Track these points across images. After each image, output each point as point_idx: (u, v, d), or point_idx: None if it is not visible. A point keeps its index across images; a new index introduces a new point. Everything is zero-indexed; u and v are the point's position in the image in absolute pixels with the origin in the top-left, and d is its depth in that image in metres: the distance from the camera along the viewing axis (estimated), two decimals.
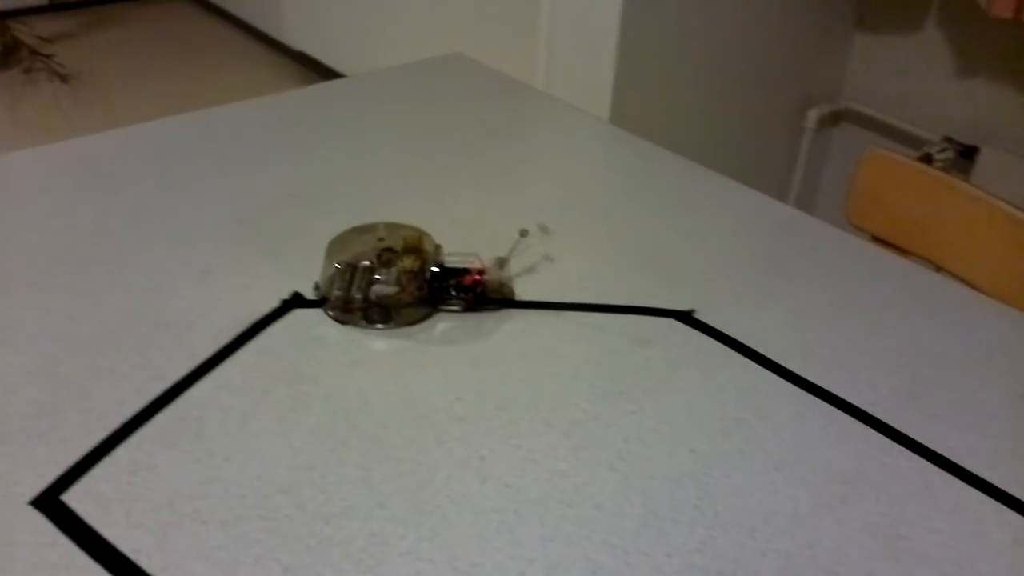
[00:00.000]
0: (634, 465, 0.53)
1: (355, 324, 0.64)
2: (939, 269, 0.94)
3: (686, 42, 1.43)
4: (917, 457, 0.55)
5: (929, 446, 0.56)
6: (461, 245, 0.73)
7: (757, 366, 0.62)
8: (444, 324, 0.64)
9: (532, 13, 1.34)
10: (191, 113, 0.95)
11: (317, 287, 0.67)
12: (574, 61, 1.28)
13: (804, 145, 1.69)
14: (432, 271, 0.65)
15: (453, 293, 0.66)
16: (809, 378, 0.61)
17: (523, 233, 0.72)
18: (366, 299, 0.63)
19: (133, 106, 2.74)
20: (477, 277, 0.65)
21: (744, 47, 1.52)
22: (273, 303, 0.65)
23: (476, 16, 1.81)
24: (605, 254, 0.74)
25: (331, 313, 0.64)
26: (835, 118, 1.73)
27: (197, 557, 0.45)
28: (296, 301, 0.65)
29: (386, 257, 0.66)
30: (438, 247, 0.68)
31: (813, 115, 1.67)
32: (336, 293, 0.64)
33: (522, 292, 0.68)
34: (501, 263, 0.68)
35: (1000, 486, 0.53)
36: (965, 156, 1.52)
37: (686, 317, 0.67)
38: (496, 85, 1.08)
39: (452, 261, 0.67)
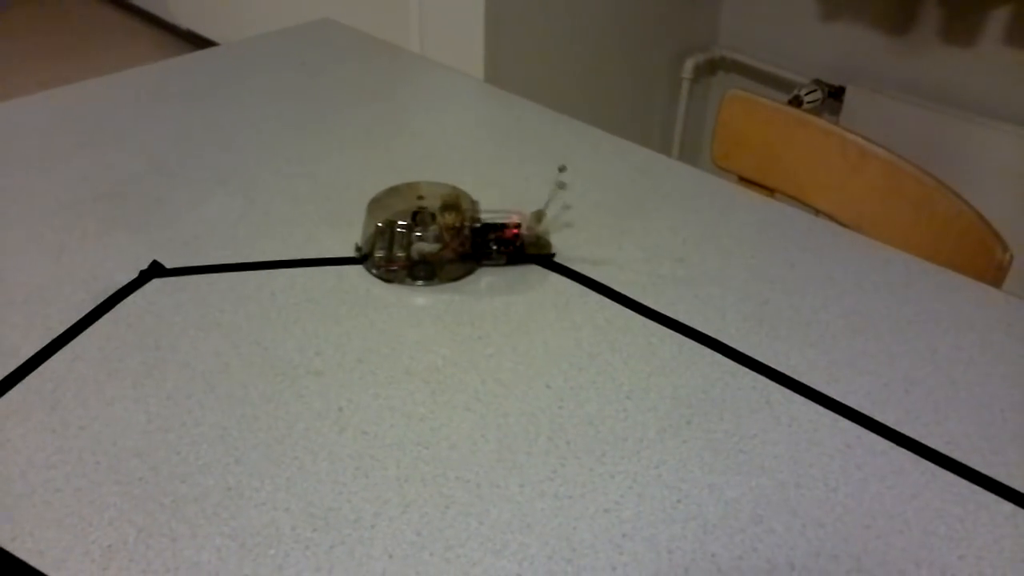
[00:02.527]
0: (490, 405, 0.54)
1: (400, 282, 0.64)
2: (803, 205, 0.97)
3: None
4: (760, 376, 0.57)
5: (772, 366, 0.58)
6: (325, 206, 0.73)
7: (612, 303, 0.63)
8: (487, 278, 0.64)
9: None
10: (50, 91, 0.91)
11: (359, 248, 0.67)
12: (446, 22, 1.28)
13: (683, 95, 1.72)
14: (472, 227, 0.65)
15: (494, 247, 0.66)
16: (661, 310, 0.63)
17: (560, 185, 0.71)
18: (408, 257, 0.64)
19: (11, 92, 2.63)
20: (515, 231, 0.66)
21: (617, 0, 1.54)
22: (132, 275, 0.64)
23: None
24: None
25: (374, 272, 0.65)
26: (712, 67, 1.77)
27: (49, 524, 0.45)
28: (155, 271, 0.64)
29: (423, 216, 0.66)
30: (475, 203, 0.68)
31: (690, 65, 1.70)
32: (379, 254, 0.64)
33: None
34: (539, 216, 0.68)
35: (837, 398, 0.56)
36: (833, 96, 1.57)
37: (546, 261, 0.68)
38: (368, 49, 1.07)
39: (489, 217, 0.67)
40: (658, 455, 0.51)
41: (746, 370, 0.58)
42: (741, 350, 0.59)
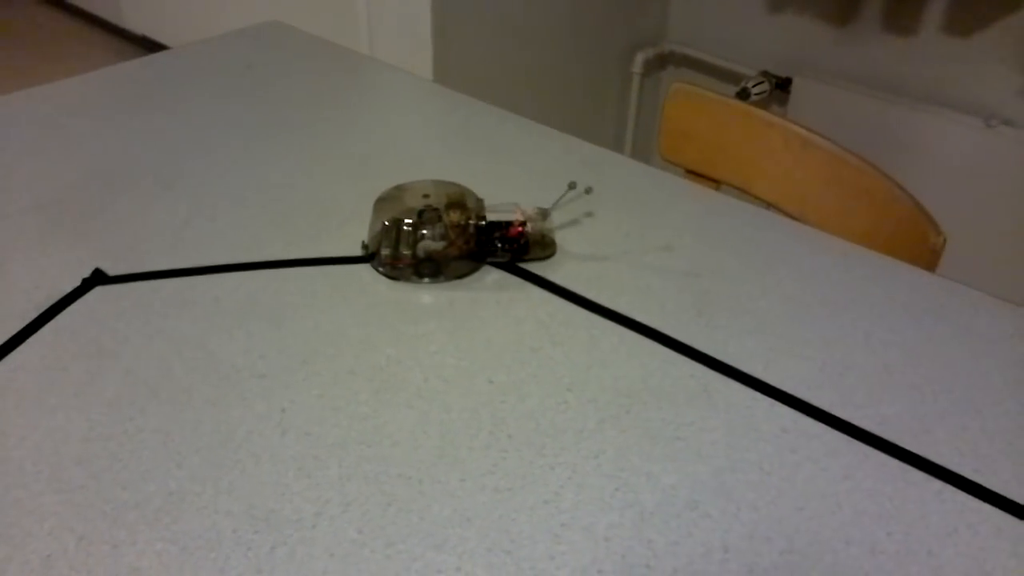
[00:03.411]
0: (432, 401, 0.54)
1: (406, 279, 0.64)
2: (749, 195, 0.98)
3: None
4: (698, 365, 0.58)
5: (710, 354, 0.59)
6: (272, 209, 0.73)
7: (555, 296, 0.64)
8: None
9: None
10: None
11: (365, 246, 0.67)
12: (393, 23, 1.28)
13: (634, 89, 1.73)
14: (478, 225, 0.66)
15: (499, 245, 0.67)
16: (602, 303, 0.63)
17: (571, 185, 0.71)
18: (415, 255, 0.64)
19: None
20: (520, 229, 0.67)
21: None
22: (75, 283, 0.63)
23: None
24: None
25: (381, 269, 0.65)
26: (662, 61, 1.78)
27: None
28: (97, 279, 0.64)
29: (430, 214, 0.66)
30: (480, 201, 0.69)
31: (640, 59, 1.71)
32: (385, 251, 0.64)
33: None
34: (544, 214, 0.68)
35: (773, 384, 0.57)
36: (781, 87, 1.59)
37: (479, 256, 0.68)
38: (317, 51, 1.07)
39: (494, 214, 0.68)
40: (597, 445, 0.51)
41: (685, 359, 0.59)
42: (680, 339, 0.60)
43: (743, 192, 0.99)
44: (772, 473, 0.50)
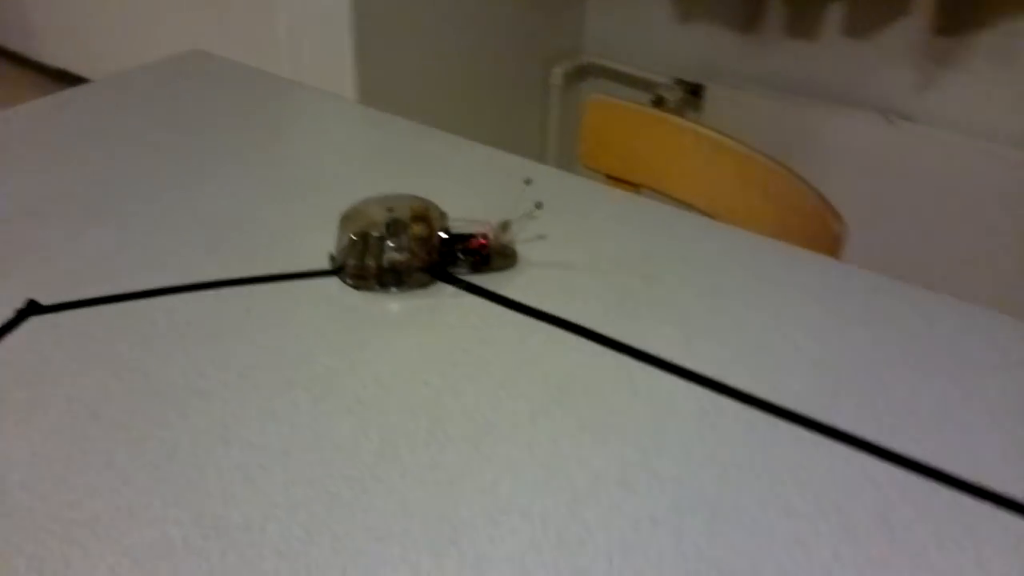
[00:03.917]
0: (372, 406, 0.56)
1: (370, 290, 0.67)
2: (667, 198, 1.03)
3: (424, 14, 1.47)
4: (622, 356, 0.61)
5: (632, 345, 0.62)
6: (202, 234, 0.74)
7: (484, 301, 0.67)
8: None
9: (269, 2, 1.34)
10: None
11: (333, 258, 0.69)
12: (315, 47, 1.30)
13: (554, 102, 1.78)
14: (440, 237, 0.68)
15: (460, 257, 0.69)
16: (530, 304, 0.66)
17: (538, 205, 0.73)
18: (379, 266, 0.66)
19: None
20: (483, 241, 0.68)
21: (482, 12, 1.58)
22: (8, 315, 0.64)
23: (217, 12, 1.77)
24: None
25: (349, 281, 0.67)
26: (580, 73, 1.83)
27: None
28: (32, 309, 0.64)
29: (395, 227, 0.68)
30: (443, 214, 0.71)
31: (558, 72, 1.76)
32: (351, 262, 0.67)
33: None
34: (504, 227, 0.70)
35: (692, 368, 0.60)
36: (694, 94, 1.65)
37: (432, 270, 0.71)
38: (240, 77, 1.08)
39: (458, 227, 0.70)
40: (531, 436, 0.54)
41: (610, 351, 0.62)
42: (604, 333, 0.63)
43: (661, 194, 1.03)
44: (694, 449, 0.53)
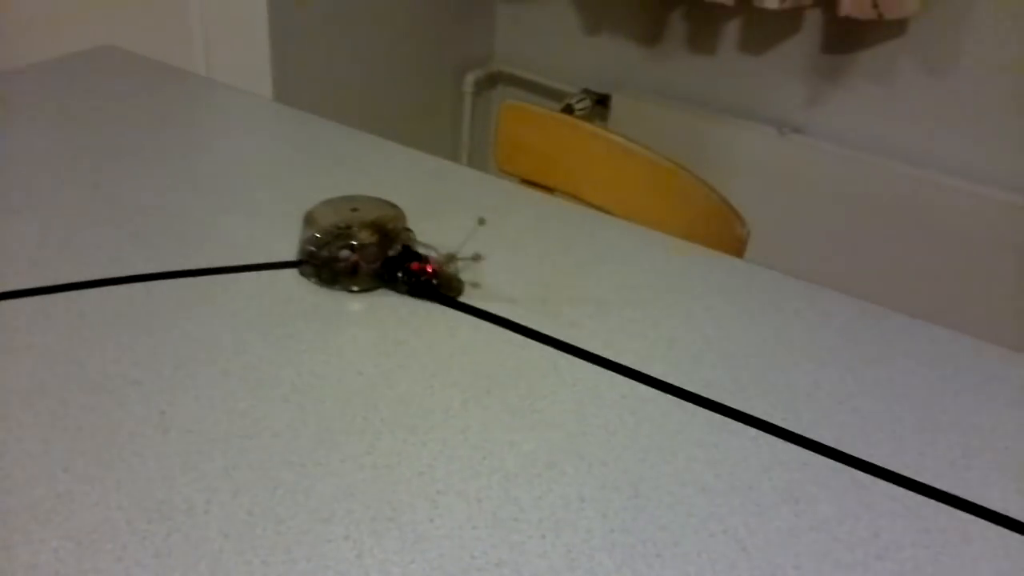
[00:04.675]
0: (307, 394, 0.57)
1: (327, 286, 0.68)
2: (580, 201, 1.06)
3: (339, 17, 1.48)
4: (547, 347, 0.64)
5: (557, 336, 0.65)
6: (126, 227, 0.74)
7: (412, 299, 0.68)
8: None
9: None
10: None
11: (302, 251, 0.70)
12: (230, 44, 1.29)
13: (466, 108, 1.81)
14: (395, 249, 0.68)
15: (399, 275, 0.68)
16: (459, 299, 0.68)
17: (480, 222, 0.72)
18: (331, 261, 0.67)
19: None
20: (428, 268, 0.67)
21: (395, 19, 1.59)
22: None
23: (130, 6, 1.73)
24: (268, 215, 0.77)
25: (307, 273, 0.69)
26: (491, 80, 1.86)
27: None
28: None
29: (358, 227, 0.68)
30: (408, 230, 0.70)
31: (470, 79, 1.78)
32: (309, 250, 0.68)
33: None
34: (448, 259, 0.69)
35: (612, 359, 0.64)
36: (601, 103, 1.70)
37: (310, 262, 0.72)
38: (154, 73, 1.07)
39: (424, 247, 0.70)
40: (463, 422, 0.56)
41: (536, 343, 0.65)
42: (530, 326, 0.66)
43: (574, 198, 1.06)
44: (616, 433, 0.57)
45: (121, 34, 1.32)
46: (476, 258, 0.72)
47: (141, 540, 0.46)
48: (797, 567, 0.48)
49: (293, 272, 0.70)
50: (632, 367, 0.63)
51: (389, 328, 0.64)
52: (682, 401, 0.60)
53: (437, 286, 0.68)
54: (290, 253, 0.72)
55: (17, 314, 0.63)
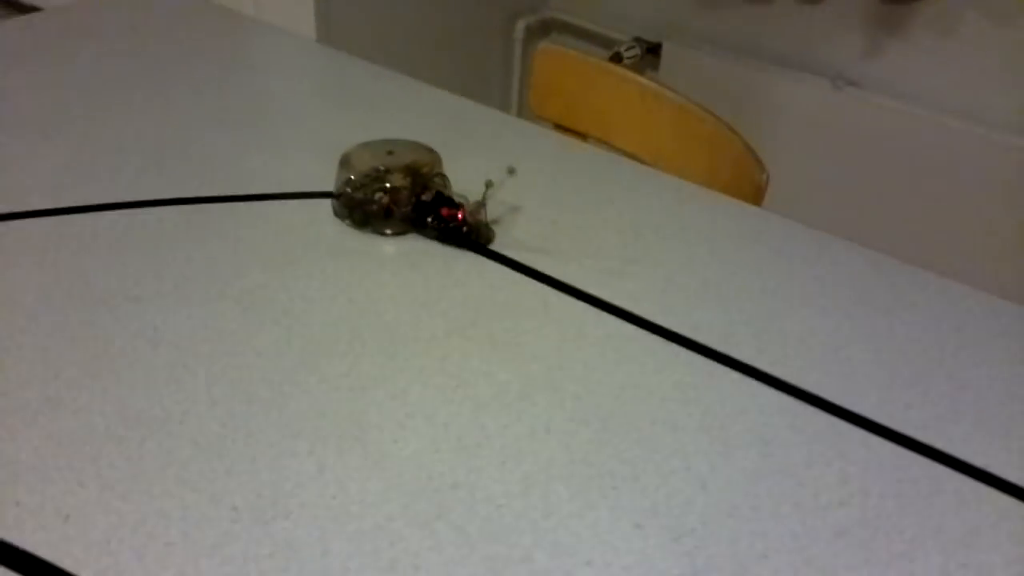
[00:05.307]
0: (297, 318, 0.59)
1: (357, 227, 0.68)
2: (611, 146, 1.05)
3: None
4: (539, 284, 0.64)
5: (551, 275, 0.65)
6: (152, 156, 0.76)
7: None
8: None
9: None
10: None
11: (336, 190, 0.70)
12: None
13: (516, 56, 1.79)
14: (427, 195, 0.67)
15: (429, 220, 0.68)
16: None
17: (511, 171, 0.71)
18: (363, 203, 0.67)
19: None
20: (459, 215, 0.67)
21: None
22: None
23: None
24: (291, 151, 0.78)
25: (333, 207, 0.70)
26: (544, 27, 1.83)
27: None
28: None
29: (386, 171, 0.68)
30: (442, 176, 0.70)
31: (521, 26, 1.76)
32: (345, 191, 0.68)
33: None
34: (477, 207, 0.68)
35: (603, 298, 0.63)
36: (652, 52, 1.66)
37: (333, 196, 0.73)
38: (199, 12, 1.08)
39: (459, 196, 0.69)
40: (444, 351, 0.57)
41: (528, 279, 0.64)
42: (526, 263, 0.66)
43: (605, 143, 1.05)
44: (595, 369, 0.56)
45: None
46: (511, 171, 0.71)
47: (116, 444, 0.48)
48: (755, 507, 0.48)
49: (305, 203, 0.71)
50: (622, 306, 0.62)
51: (388, 263, 0.65)
52: (668, 342, 0.59)
53: (468, 233, 0.68)
54: (307, 186, 0.73)
55: (35, 233, 0.65)
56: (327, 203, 0.71)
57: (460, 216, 0.68)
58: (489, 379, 0.55)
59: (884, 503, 0.49)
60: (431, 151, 0.72)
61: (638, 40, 1.65)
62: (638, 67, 1.64)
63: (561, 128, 1.10)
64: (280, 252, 0.65)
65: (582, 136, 1.08)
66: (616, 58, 1.60)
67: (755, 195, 0.82)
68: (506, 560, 0.44)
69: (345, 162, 0.70)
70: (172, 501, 0.45)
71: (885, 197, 1.51)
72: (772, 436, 0.52)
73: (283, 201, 0.71)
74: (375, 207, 0.68)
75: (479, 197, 0.67)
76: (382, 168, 0.69)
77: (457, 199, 0.68)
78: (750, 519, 0.47)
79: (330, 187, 0.71)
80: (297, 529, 0.44)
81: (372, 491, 0.47)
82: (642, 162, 0.99)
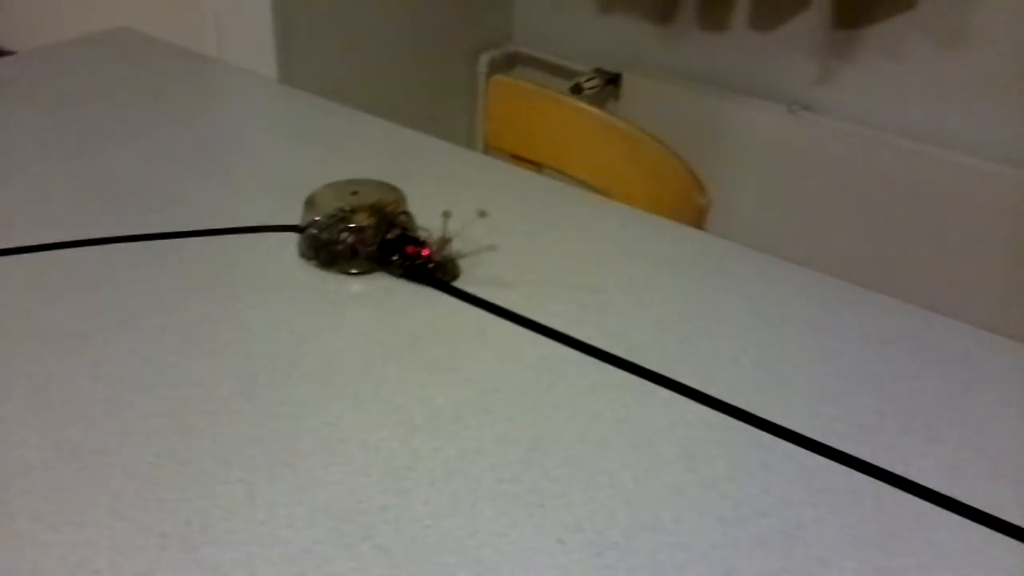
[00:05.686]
0: (236, 349, 0.59)
1: (324, 267, 0.69)
2: (565, 176, 1.06)
3: None
4: (477, 309, 0.65)
5: (489, 299, 0.66)
6: (105, 196, 0.77)
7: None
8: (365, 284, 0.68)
9: None
10: None
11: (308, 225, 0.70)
12: (240, 26, 1.32)
13: (480, 89, 1.81)
14: (393, 233, 0.68)
15: (394, 258, 0.68)
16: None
17: (482, 214, 0.72)
18: (328, 243, 0.67)
19: None
20: (424, 252, 0.67)
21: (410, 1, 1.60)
22: None
23: None
24: (245, 187, 0.79)
25: (299, 248, 0.70)
26: (508, 61, 1.86)
27: None
28: None
29: (352, 211, 0.68)
30: (406, 214, 0.70)
31: (484, 60, 1.79)
32: (311, 232, 0.69)
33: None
34: (443, 243, 0.68)
35: (540, 322, 0.64)
36: (612, 83, 1.69)
37: (297, 229, 0.74)
38: (164, 55, 1.10)
39: (425, 231, 0.69)
40: (380, 377, 0.58)
41: (465, 305, 0.66)
42: (465, 289, 0.67)
43: (560, 172, 1.07)
44: (528, 392, 0.57)
45: (141, 17, 1.37)
46: (482, 215, 0.71)
47: (50, 476, 0.49)
48: (676, 520, 0.49)
49: (259, 238, 0.72)
50: (559, 329, 0.63)
51: (327, 293, 0.66)
52: (602, 363, 0.61)
53: (432, 270, 0.68)
54: (255, 220, 0.74)
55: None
56: (284, 236, 0.72)
57: (424, 253, 0.68)
58: (424, 404, 0.56)
59: (803, 512, 0.50)
60: (395, 189, 0.73)
61: (599, 71, 1.68)
62: (599, 97, 1.66)
63: (517, 159, 1.12)
64: (221, 286, 0.66)
65: (538, 166, 1.10)
66: (576, 89, 1.63)
67: (697, 218, 0.84)
68: None
69: (310, 203, 0.71)
70: (101, 530, 0.46)
71: (841, 217, 1.54)
72: (698, 451, 0.53)
73: (237, 236, 0.72)
74: (341, 247, 0.68)
75: (440, 232, 0.68)
76: (347, 208, 0.69)
77: (423, 235, 0.69)
78: (672, 532, 0.48)
79: (286, 222, 0.73)
80: (224, 554, 0.45)
81: (300, 515, 0.47)
82: (594, 190, 1.01)
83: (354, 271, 0.69)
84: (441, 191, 0.81)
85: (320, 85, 1.46)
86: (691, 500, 0.50)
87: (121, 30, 1.19)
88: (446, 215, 0.68)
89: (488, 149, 1.13)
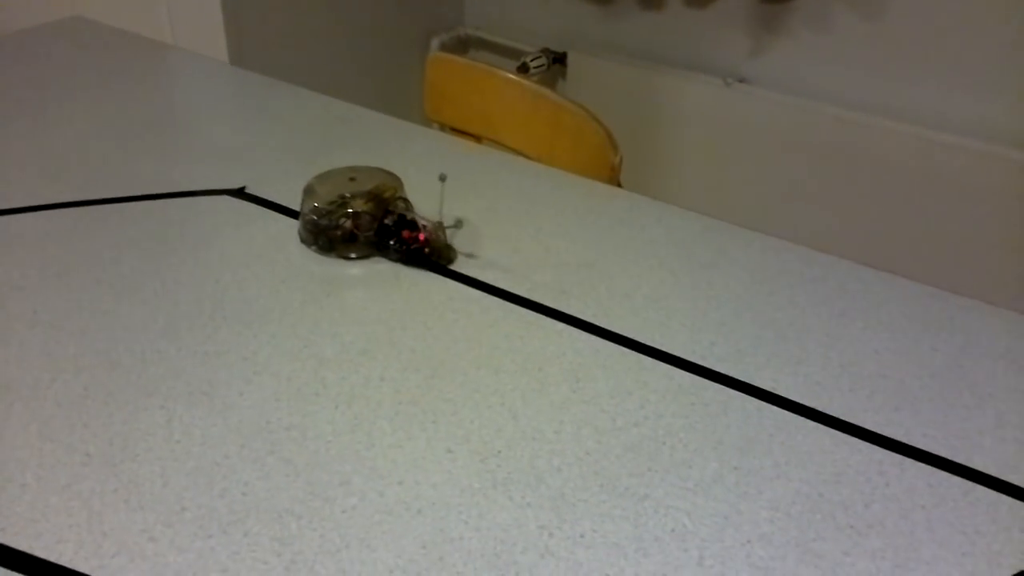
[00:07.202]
0: (165, 298, 0.63)
1: (324, 252, 0.69)
2: (502, 145, 1.10)
3: None
4: (437, 276, 0.69)
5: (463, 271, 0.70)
6: (45, 165, 0.80)
7: (286, 217, 0.74)
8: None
9: None
10: None
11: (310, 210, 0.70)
12: (191, 9, 1.34)
13: None
14: (391, 218, 0.69)
15: (391, 243, 0.69)
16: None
17: (442, 178, 0.71)
18: (327, 229, 0.68)
19: None
20: (420, 236, 0.69)
21: None
22: None
23: None
24: (182, 156, 0.83)
25: (299, 234, 0.71)
26: (461, 44, 1.90)
27: None
28: None
29: (351, 197, 0.69)
30: (405, 200, 0.71)
31: (435, 43, 1.82)
32: (309, 217, 0.69)
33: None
34: (437, 227, 0.69)
35: (451, 268, 0.68)
36: (558, 62, 1.73)
37: (239, 192, 0.77)
38: (119, 43, 1.13)
39: (422, 217, 0.70)
40: (296, 319, 0.61)
41: (385, 261, 0.69)
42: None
43: (497, 142, 1.10)
44: (433, 327, 0.61)
45: (96, 6, 1.39)
46: (442, 178, 0.71)
47: None
48: (557, 431, 0.53)
49: (186, 201, 0.76)
50: (466, 274, 0.67)
51: (255, 245, 0.70)
52: (504, 302, 0.64)
53: (428, 254, 0.69)
54: (194, 186, 0.78)
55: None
56: (220, 200, 0.76)
57: (421, 238, 0.69)
58: (336, 340, 0.60)
59: (674, 422, 0.54)
60: (393, 175, 0.74)
61: (545, 51, 1.71)
62: (547, 76, 1.70)
63: (456, 131, 1.15)
64: (158, 243, 0.69)
65: (476, 138, 1.14)
66: (523, 68, 1.66)
67: (611, 175, 0.88)
68: (326, 484, 0.48)
69: (309, 190, 0.71)
70: (30, 451, 0.49)
71: (777, 183, 1.59)
72: (584, 374, 0.58)
73: (176, 199, 0.76)
74: (338, 232, 0.70)
75: (437, 219, 0.69)
76: (347, 195, 0.70)
77: (420, 221, 0.70)
78: (551, 441, 0.52)
79: (223, 186, 0.76)
80: (141, 468, 0.49)
81: (213, 436, 0.51)
82: (527, 157, 1.04)
83: (352, 256, 0.70)
84: (384, 162, 0.84)
85: (272, 70, 1.49)
86: (572, 414, 0.54)
87: (74, 19, 1.21)
88: (442, 179, 0.70)
89: (429, 123, 1.16)
